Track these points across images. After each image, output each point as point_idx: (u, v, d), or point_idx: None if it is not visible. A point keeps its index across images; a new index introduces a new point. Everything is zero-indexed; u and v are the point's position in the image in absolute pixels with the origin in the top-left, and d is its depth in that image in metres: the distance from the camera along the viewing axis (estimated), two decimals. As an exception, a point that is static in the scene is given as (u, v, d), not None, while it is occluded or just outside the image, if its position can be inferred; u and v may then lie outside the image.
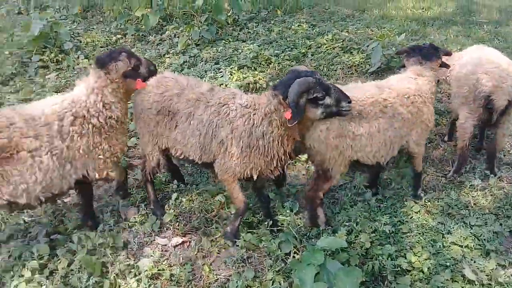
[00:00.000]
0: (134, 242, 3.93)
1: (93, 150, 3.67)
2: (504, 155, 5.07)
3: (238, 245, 3.79)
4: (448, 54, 4.50)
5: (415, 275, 3.47)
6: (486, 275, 3.45)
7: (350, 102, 3.44)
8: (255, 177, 3.72)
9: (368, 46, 7.68)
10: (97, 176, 3.78)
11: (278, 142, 3.54)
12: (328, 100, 3.39)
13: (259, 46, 8.31)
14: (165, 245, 3.94)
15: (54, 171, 3.44)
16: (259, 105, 3.54)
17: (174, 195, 4.37)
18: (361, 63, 7.58)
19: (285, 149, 3.59)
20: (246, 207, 3.90)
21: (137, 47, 8.59)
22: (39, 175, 3.37)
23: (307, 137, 3.70)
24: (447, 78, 5.24)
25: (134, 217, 4.21)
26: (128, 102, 4.02)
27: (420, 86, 4.00)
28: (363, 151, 3.78)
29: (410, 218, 4.16)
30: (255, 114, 3.53)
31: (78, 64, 7.75)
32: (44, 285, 3.47)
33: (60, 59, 7.78)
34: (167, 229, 4.11)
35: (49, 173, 3.42)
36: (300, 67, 3.78)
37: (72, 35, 8.70)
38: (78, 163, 3.62)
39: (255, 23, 9.68)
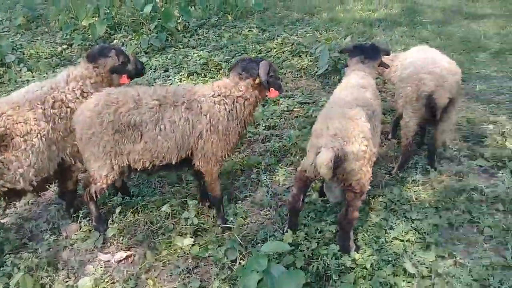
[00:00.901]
0: (75, 260, 3.80)
1: (70, 134, 3.91)
2: (445, 150, 5.23)
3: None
4: (388, 53, 4.65)
5: (358, 272, 3.52)
6: (426, 267, 3.55)
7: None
8: (231, 156, 4.33)
9: (316, 49, 7.80)
10: (72, 161, 4.03)
11: (248, 119, 4.02)
12: (273, 78, 3.94)
13: (209, 52, 8.29)
14: (108, 261, 3.82)
15: (43, 152, 3.70)
16: (228, 90, 3.90)
17: (118, 209, 4.26)
18: (310, 66, 7.69)
19: (248, 124, 4.13)
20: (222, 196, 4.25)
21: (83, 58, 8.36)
22: (32, 158, 3.62)
23: (348, 163, 3.38)
24: (391, 78, 5.36)
25: (76, 234, 4.09)
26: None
27: (372, 82, 4.21)
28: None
29: (355, 216, 4.23)
30: (227, 99, 3.87)
31: (20, 77, 7.48)
32: (-22, 311, 3.31)
33: (2, 73, 7.50)
34: (110, 244, 4.00)
35: (40, 155, 3.67)
36: (245, 56, 4.09)
37: (15, 47, 8.40)
38: (60, 145, 3.89)
39: (206, 29, 9.65)
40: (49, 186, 4.25)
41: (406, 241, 3.85)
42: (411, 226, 4.00)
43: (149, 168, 3.85)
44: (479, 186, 4.47)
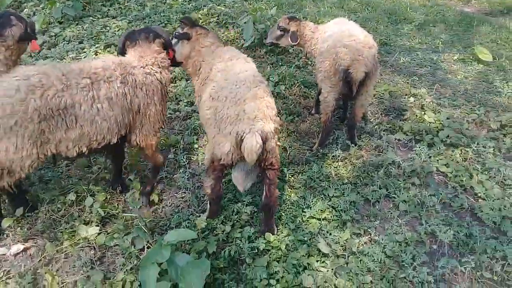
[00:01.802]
0: (-36, 256, 3.41)
1: None
2: (366, 124, 5.23)
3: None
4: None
5: (273, 254, 3.42)
6: (341, 245, 3.51)
7: None
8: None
9: (242, 20, 7.50)
10: None
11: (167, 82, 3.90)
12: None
13: (129, 22, 7.77)
14: (4, 254, 3.45)
15: None
16: (152, 58, 3.73)
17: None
18: (237, 39, 7.40)
19: None
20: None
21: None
22: None
23: (268, 143, 3.22)
24: (312, 51, 5.21)
25: (-33, 227, 3.67)
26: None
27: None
28: None
29: (274, 195, 4.11)
30: (154, 67, 3.71)
31: None
32: None
33: None
34: (7, 236, 3.62)
35: None
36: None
37: None
38: None
39: (128, -3, 9.03)
40: None
41: (323, 219, 3.79)
42: (328, 204, 3.94)
43: (84, 152, 3.45)
44: (397, 160, 4.48)
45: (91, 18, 8.07)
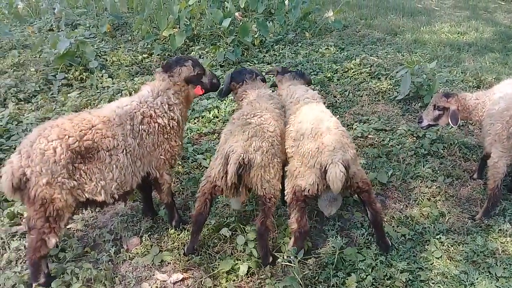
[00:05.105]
0: (133, 276, 3.74)
1: (157, 148, 3.95)
2: (540, 197, 4.65)
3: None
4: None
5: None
6: (513, 338, 3.09)
7: None
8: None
9: (397, 72, 7.35)
10: (157, 174, 4.03)
11: None
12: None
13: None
14: (165, 281, 3.73)
15: (128, 167, 3.71)
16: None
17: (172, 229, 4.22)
18: (389, 90, 7.27)
19: None
20: None
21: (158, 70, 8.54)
22: (116, 172, 3.63)
23: (351, 169, 3.58)
24: (481, 117, 4.79)
25: (136, 248, 4.06)
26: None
27: None
28: None
29: (431, 264, 3.82)
30: None
31: (101, 83, 7.75)
32: (35, 318, 3.33)
33: (84, 78, 7.82)
34: (168, 264, 3.91)
35: (124, 169, 3.68)
36: None
37: (98, 54, 8.74)
38: (146, 160, 3.89)
39: (282, 45, 9.51)
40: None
41: (490, 302, 3.39)
42: (496, 285, 3.52)
43: None
44: None
45: (248, 63, 8.65)
